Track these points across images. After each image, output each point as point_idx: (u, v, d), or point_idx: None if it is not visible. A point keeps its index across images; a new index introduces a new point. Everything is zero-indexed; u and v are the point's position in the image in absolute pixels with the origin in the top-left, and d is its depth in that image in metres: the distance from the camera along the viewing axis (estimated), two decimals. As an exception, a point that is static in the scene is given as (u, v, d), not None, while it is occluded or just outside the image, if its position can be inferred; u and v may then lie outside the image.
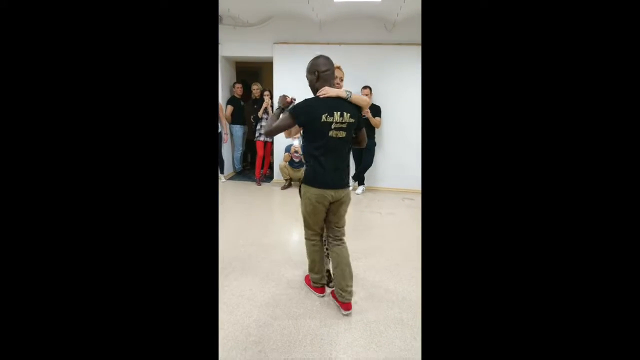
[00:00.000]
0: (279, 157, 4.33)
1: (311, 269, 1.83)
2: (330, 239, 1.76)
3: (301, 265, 2.13)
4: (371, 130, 3.88)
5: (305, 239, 1.79)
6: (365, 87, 3.79)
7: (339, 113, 1.53)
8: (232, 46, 4.28)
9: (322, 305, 1.76)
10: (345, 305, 1.68)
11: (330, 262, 1.79)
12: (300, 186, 1.70)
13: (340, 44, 4.00)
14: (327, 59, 1.59)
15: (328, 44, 4.03)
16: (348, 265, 1.70)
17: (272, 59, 4.24)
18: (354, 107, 1.58)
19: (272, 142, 4.37)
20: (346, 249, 1.73)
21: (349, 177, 1.69)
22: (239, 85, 4.50)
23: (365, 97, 1.65)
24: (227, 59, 4.55)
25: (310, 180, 1.61)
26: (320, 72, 1.57)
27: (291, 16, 3.99)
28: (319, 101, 1.54)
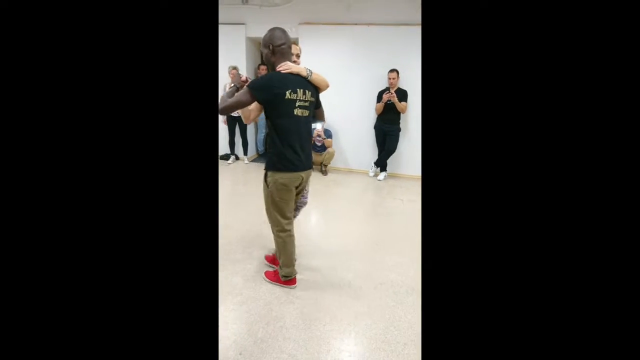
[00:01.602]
0: (301, 140, 4.33)
1: (286, 264, 1.70)
2: None
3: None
4: (396, 115, 3.79)
5: (280, 231, 1.64)
6: (392, 70, 3.68)
7: (302, 90, 1.46)
8: (257, 27, 4.24)
9: (341, 284, 1.79)
10: (292, 281, 1.74)
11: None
12: (265, 175, 1.57)
13: (368, 24, 3.88)
14: (284, 32, 1.47)
15: (355, 24, 3.91)
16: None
17: (297, 41, 4.18)
18: (314, 87, 1.53)
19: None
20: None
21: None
22: (263, 67, 4.47)
23: (325, 78, 1.56)
24: (252, 40, 4.52)
25: (281, 164, 1.49)
26: (275, 46, 1.45)
27: (318, -5, 3.90)
28: (281, 76, 1.44)
